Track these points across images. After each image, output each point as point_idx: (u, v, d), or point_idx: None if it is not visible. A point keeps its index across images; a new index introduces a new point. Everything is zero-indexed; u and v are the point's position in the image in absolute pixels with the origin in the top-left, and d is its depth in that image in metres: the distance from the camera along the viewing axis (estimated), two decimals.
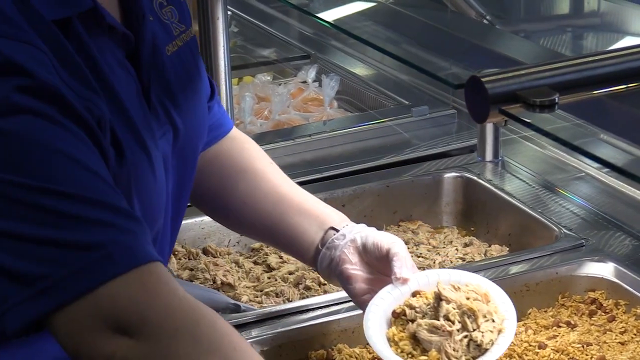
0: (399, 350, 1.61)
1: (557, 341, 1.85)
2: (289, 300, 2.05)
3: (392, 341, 1.62)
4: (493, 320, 1.61)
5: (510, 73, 2.34)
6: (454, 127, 2.70)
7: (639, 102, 2.32)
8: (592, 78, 2.33)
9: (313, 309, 1.92)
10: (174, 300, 1.32)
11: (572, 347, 1.84)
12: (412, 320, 1.63)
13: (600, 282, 2.00)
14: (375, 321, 1.64)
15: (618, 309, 1.95)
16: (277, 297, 2.07)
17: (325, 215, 1.80)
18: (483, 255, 2.23)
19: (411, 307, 1.64)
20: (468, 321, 1.59)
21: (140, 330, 1.28)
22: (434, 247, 2.29)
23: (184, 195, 1.68)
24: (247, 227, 1.89)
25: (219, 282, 2.11)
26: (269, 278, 2.14)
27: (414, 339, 1.62)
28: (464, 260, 2.20)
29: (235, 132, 1.89)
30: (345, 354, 1.84)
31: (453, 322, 1.59)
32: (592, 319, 1.94)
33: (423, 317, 1.62)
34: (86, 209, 1.30)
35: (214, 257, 2.23)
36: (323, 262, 1.76)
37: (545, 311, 1.97)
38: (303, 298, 2.04)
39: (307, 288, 2.09)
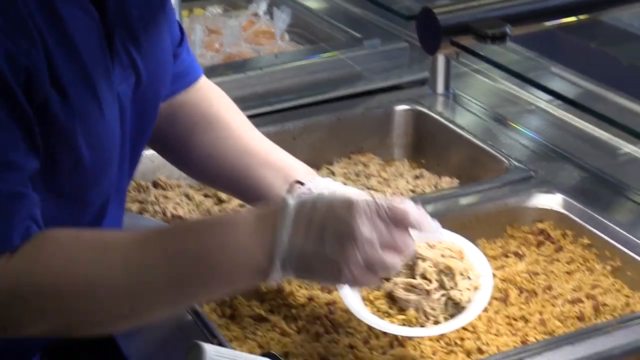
0: (375, 310, 1.60)
1: (505, 271, 1.87)
2: None
3: (367, 300, 1.61)
4: (469, 278, 1.60)
5: (462, 5, 2.35)
6: (405, 60, 2.69)
7: (590, 34, 2.33)
8: (543, 10, 2.34)
9: None
10: None
11: (519, 276, 1.86)
12: (387, 279, 1.62)
13: (548, 213, 2.02)
14: None
15: (565, 240, 1.97)
16: None
17: (291, 168, 1.77)
18: (433, 188, 2.24)
19: None
20: (445, 279, 1.58)
21: None
22: (384, 179, 2.29)
23: (142, 141, 1.66)
24: (211, 179, 1.86)
25: (169, 214, 2.10)
26: (219, 210, 2.14)
27: (390, 297, 1.61)
28: (414, 193, 2.21)
29: (204, 80, 1.85)
30: (296, 284, 1.84)
31: (430, 281, 1.59)
32: (540, 249, 1.97)
33: (398, 275, 1.61)
34: None
35: (164, 190, 2.22)
36: None
37: (494, 242, 1.99)
38: None
39: None
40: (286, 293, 1.83)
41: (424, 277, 1.59)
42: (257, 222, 1.38)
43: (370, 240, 1.36)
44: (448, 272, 1.59)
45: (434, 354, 1.67)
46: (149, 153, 2.19)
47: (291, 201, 1.38)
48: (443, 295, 1.58)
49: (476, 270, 1.62)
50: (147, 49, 1.57)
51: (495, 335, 1.72)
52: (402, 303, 1.59)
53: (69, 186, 1.46)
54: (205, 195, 2.22)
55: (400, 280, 1.59)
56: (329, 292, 1.84)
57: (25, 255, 1.35)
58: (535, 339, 1.71)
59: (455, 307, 1.58)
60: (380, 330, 1.73)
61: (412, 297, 1.58)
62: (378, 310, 1.59)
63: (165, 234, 1.45)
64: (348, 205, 1.37)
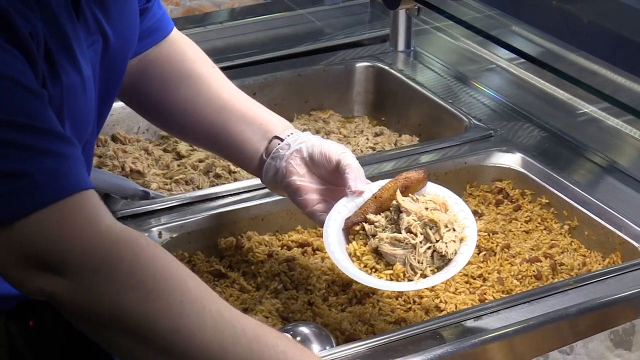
0: (362, 265, 1.59)
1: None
2: (199, 188, 2.04)
3: (354, 256, 1.60)
4: (454, 230, 1.60)
5: None
6: (367, 17, 2.69)
7: None
8: None
9: (223, 197, 1.92)
10: (94, 238, 1.28)
11: (478, 235, 1.87)
12: (373, 235, 1.61)
13: (507, 172, 2.03)
14: (335, 237, 1.61)
15: (524, 199, 1.98)
16: (186, 184, 2.06)
17: (269, 123, 1.74)
18: (393, 145, 2.24)
19: (370, 223, 1.61)
20: (430, 232, 1.58)
21: (62, 269, 1.26)
22: (344, 136, 2.29)
23: (109, 104, 1.63)
24: (188, 134, 1.82)
25: (127, 169, 2.08)
26: (178, 166, 2.13)
27: (377, 253, 1.60)
28: (374, 150, 2.21)
29: (175, 34, 1.81)
30: (255, 241, 1.84)
31: (415, 234, 1.58)
32: (499, 208, 1.98)
33: (383, 230, 1.61)
34: (18, 133, 1.25)
35: (123, 144, 2.20)
36: (268, 173, 1.71)
37: None
38: (213, 186, 2.03)
39: (217, 176, 2.08)
40: (245, 249, 1.82)
41: (409, 231, 1.58)
42: None
43: None
44: (433, 225, 1.59)
45: (392, 312, 1.68)
46: None
47: None
48: (429, 248, 1.58)
49: (460, 221, 1.62)
50: (115, 13, 1.53)
51: (454, 293, 1.73)
52: (388, 258, 1.58)
53: None
54: (165, 150, 2.20)
55: (386, 235, 1.59)
56: (289, 249, 1.85)
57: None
58: (493, 297, 1.72)
59: (441, 260, 1.58)
60: (339, 288, 1.74)
61: (398, 251, 1.58)
62: (365, 266, 1.59)
63: (258, 335, 1.34)
64: None
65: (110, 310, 1.27)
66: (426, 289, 1.72)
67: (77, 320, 1.31)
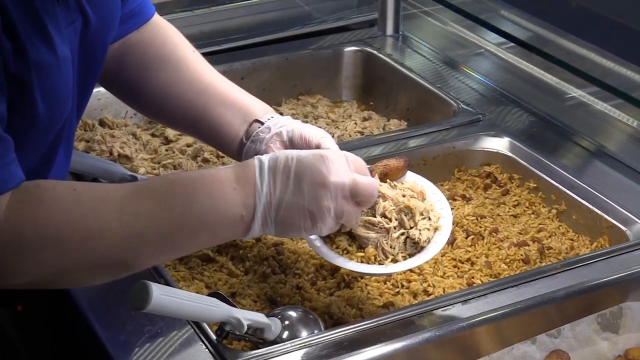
0: (334, 247, 1.59)
1: (452, 214, 1.87)
2: None
3: (327, 238, 1.60)
4: (429, 219, 1.60)
5: None
6: (355, 1, 2.68)
7: None
8: None
9: None
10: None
11: (466, 219, 1.87)
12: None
13: (495, 157, 2.03)
14: None
15: (512, 183, 1.99)
16: (174, 169, 2.05)
17: (249, 106, 1.74)
18: (381, 130, 2.24)
19: None
20: (405, 219, 1.58)
21: None
22: (333, 120, 2.29)
23: (90, 85, 1.62)
24: (169, 118, 1.82)
25: (115, 154, 2.08)
26: (166, 150, 2.12)
27: (350, 235, 1.60)
28: (363, 134, 2.21)
29: (157, 18, 1.80)
30: None
31: (390, 220, 1.58)
32: (487, 192, 1.98)
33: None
34: None
35: (111, 129, 2.19)
36: (248, 156, 1.70)
37: (442, 184, 2.00)
38: None
39: (205, 160, 2.07)
40: None
41: (384, 215, 1.58)
42: (237, 177, 1.45)
43: (342, 189, 1.47)
44: (408, 211, 1.59)
45: (380, 295, 1.68)
46: (95, 91, 2.16)
47: (265, 158, 1.46)
48: (402, 234, 1.58)
49: (437, 211, 1.62)
50: None
51: (442, 277, 1.73)
52: (361, 241, 1.58)
53: (18, 136, 1.42)
54: (153, 135, 2.20)
55: (361, 218, 1.59)
56: None
57: (25, 205, 1.35)
58: (481, 281, 1.72)
59: (414, 247, 1.58)
60: (328, 272, 1.74)
61: (371, 234, 1.58)
62: (337, 247, 1.59)
63: (156, 186, 1.46)
64: (320, 158, 1.46)
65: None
66: (414, 272, 1.72)
67: None
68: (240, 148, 1.72)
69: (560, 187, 1.91)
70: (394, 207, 1.58)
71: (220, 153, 2.08)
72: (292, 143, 1.67)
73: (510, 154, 2.02)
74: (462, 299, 1.60)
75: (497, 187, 1.98)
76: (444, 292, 1.69)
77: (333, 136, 2.16)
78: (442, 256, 1.78)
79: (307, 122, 2.26)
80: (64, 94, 1.47)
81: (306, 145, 1.66)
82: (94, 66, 1.60)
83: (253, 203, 1.44)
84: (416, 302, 1.66)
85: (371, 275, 1.67)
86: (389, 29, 2.52)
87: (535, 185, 1.96)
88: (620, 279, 1.65)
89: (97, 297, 1.60)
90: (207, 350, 1.49)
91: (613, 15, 2.07)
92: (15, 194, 1.35)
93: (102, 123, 2.21)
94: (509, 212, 1.92)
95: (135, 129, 2.21)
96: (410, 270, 1.72)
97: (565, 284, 1.62)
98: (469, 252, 1.80)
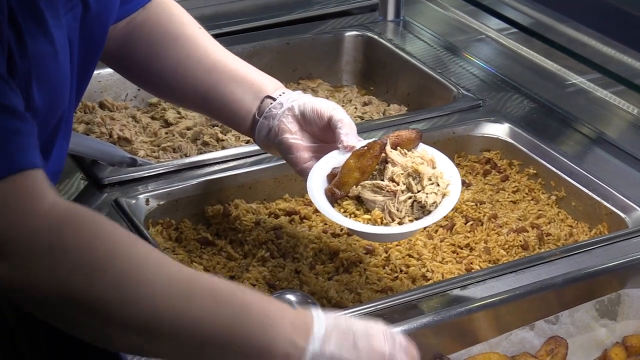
0: (342, 210, 1.59)
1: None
2: (186, 156, 2.03)
3: (334, 202, 1.59)
4: (438, 185, 1.59)
5: None
6: None
7: None
8: None
9: (210, 164, 1.91)
10: (35, 220, 1.22)
11: (465, 205, 1.87)
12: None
13: (495, 143, 2.03)
14: (318, 182, 1.60)
15: (511, 169, 1.99)
16: (174, 152, 2.05)
17: (260, 83, 1.73)
18: (382, 114, 2.24)
19: None
20: (413, 183, 1.58)
21: (3, 253, 1.21)
22: None
23: (90, 70, 1.60)
24: (179, 97, 1.80)
25: (115, 136, 2.08)
26: (166, 133, 2.12)
27: (358, 200, 1.59)
28: (363, 119, 2.21)
29: None
30: (242, 209, 1.84)
31: (398, 183, 1.58)
32: (486, 178, 1.98)
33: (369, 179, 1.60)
34: None
35: (111, 111, 2.19)
36: (261, 132, 1.70)
37: None
38: (201, 153, 2.03)
39: (205, 143, 2.07)
40: (232, 217, 1.82)
41: (391, 180, 1.58)
42: (295, 318, 1.31)
43: None
44: (416, 175, 1.58)
45: (379, 280, 1.68)
46: (95, 73, 2.15)
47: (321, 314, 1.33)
48: (409, 197, 1.57)
49: (446, 178, 1.61)
50: None
51: (441, 262, 1.73)
52: (368, 204, 1.58)
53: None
54: (153, 118, 2.20)
55: (368, 182, 1.59)
56: (276, 217, 1.85)
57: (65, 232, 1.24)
58: (480, 266, 1.72)
59: (421, 210, 1.58)
60: (326, 257, 1.74)
61: (378, 197, 1.58)
62: (345, 211, 1.58)
63: (214, 293, 1.29)
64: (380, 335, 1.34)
65: (57, 290, 1.22)
66: (413, 257, 1.72)
67: (22, 301, 1.26)
68: (253, 124, 1.72)
69: (559, 173, 1.91)
70: (402, 172, 1.58)
71: (220, 136, 2.08)
72: (304, 117, 1.68)
73: (510, 140, 2.01)
74: (460, 285, 1.60)
75: (497, 173, 1.98)
76: (442, 277, 1.69)
77: None
78: (441, 241, 1.78)
79: None
80: (60, 83, 1.44)
81: (318, 117, 1.66)
82: (95, 50, 1.59)
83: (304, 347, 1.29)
84: (415, 287, 1.66)
85: (375, 236, 1.62)
86: (390, 14, 2.51)
87: (534, 171, 1.96)
88: (618, 265, 1.65)
89: None
90: None
91: (615, 2, 2.06)
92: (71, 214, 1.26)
93: (102, 105, 2.21)
94: (508, 198, 1.92)
95: (135, 111, 2.20)
96: (409, 255, 1.73)
97: (563, 271, 1.63)
98: (468, 237, 1.80)
